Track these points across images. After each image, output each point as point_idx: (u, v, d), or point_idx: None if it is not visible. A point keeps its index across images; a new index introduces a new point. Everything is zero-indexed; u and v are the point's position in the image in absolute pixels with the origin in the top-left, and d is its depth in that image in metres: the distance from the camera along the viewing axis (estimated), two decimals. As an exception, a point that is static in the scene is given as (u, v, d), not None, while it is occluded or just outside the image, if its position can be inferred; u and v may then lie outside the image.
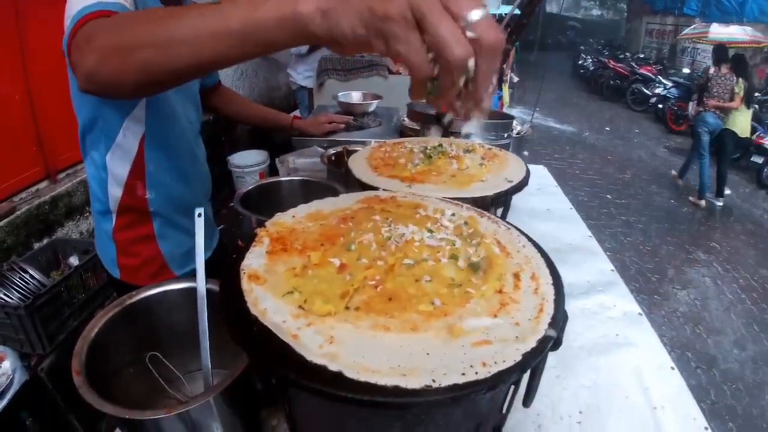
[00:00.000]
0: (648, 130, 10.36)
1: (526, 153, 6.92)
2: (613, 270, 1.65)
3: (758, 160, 7.23)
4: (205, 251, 1.48)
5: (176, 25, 0.65)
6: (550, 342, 0.56)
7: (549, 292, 0.65)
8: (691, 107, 7.13)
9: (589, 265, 1.66)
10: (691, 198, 6.57)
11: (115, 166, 1.24)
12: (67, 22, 0.90)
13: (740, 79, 6.31)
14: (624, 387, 1.13)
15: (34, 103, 2.52)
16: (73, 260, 2.33)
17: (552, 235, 1.83)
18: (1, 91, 2.37)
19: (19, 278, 2.08)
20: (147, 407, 0.74)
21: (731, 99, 6.28)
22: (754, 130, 7.12)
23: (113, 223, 1.33)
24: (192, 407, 0.73)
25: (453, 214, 0.82)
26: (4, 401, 1.78)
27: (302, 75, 4.36)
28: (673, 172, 7.37)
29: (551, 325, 0.59)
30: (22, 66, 2.45)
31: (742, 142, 6.83)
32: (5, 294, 2.00)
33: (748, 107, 6.44)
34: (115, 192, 1.28)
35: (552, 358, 1.18)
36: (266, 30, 0.59)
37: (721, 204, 6.41)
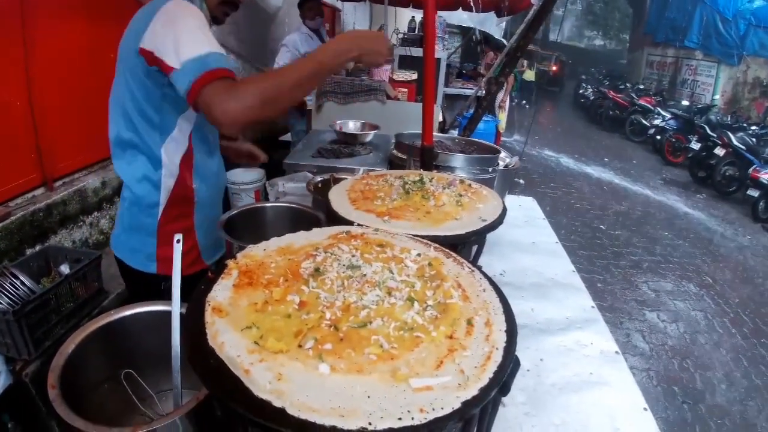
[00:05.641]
0: (645, 161, 10.42)
1: (522, 181, 6.99)
2: (593, 307, 1.65)
3: (754, 193, 7.26)
4: (216, 251, 1.64)
5: (305, 75, 1.20)
6: (493, 391, 0.59)
7: (500, 339, 0.68)
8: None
9: (570, 300, 1.67)
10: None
11: (169, 156, 1.43)
12: (187, 64, 1.18)
13: (526, 61, 13.77)
14: (594, 427, 1.13)
15: (35, 110, 2.55)
16: (64, 268, 2.34)
17: (535, 269, 1.84)
18: (2, 98, 2.41)
19: (10, 283, 2.09)
20: (119, 424, 0.76)
21: (522, 67, 13.00)
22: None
23: (159, 216, 1.47)
24: (158, 426, 0.75)
25: (418, 254, 0.85)
26: (-13, 403, 1.79)
27: None
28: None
29: (497, 373, 0.62)
30: (26, 73, 2.49)
31: (528, 83, 14.23)
32: (-5, 298, 2.02)
33: (531, 69, 14.75)
34: (169, 182, 1.45)
35: (522, 394, 1.21)
36: (341, 65, 1.28)
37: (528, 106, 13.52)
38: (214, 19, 1.46)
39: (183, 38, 1.20)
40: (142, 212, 1.47)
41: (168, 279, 1.06)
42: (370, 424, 0.51)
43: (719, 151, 8.32)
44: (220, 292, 0.72)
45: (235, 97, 1.12)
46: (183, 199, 1.49)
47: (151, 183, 1.44)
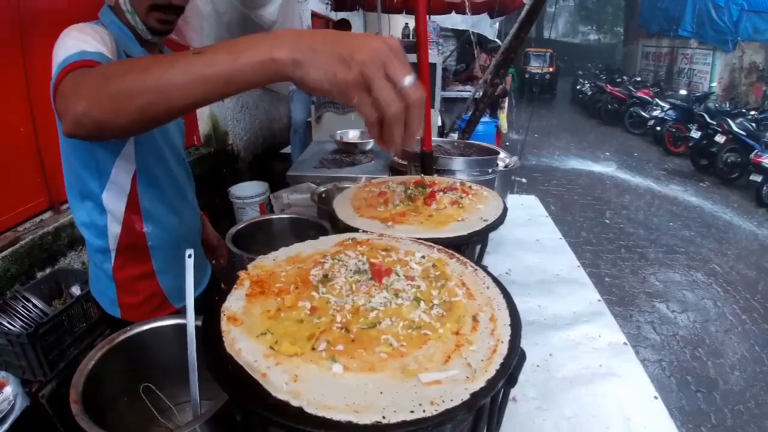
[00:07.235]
0: (646, 153, 10.46)
1: (524, 180, 7.01)
2: (600, 300, 1.67)
3: (757, 178, 7.28)
4: (196, 288, 1.53)
5: (169, 72, 0.72)
6: (500, 382, 0.62)
7: (505, 332, 0.71)
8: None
9: (576, 295, 1.69)
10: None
11: (111, 202, 1.30)
12: (54, 72, 0.98)
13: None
14: (605, 418, 1.15)
15: (38, 134, 2.58)
16: (75, 290, 2.38)
17: (539, 266, 1.87)
18: (6, 123, 2.44)
19: (22, 306, 2.14)
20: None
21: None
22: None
23: (113, 262, 1.37)
24: (178, 436, 0.78)
25: (423, 257, 0.88)
26: (5, 426, 1.82)
27: (299, 108, 4.46)
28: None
29: (503, 365, 0.64)
30: (27, 97, 2.52)
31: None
32: (8, 322, 2.06)
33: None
34: (115, 229, 1.33)
35: (533, 389, 1.23)
36: (247, 74, 0.69)
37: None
38: (152, 31, 1.27)
39: (59, 52, 1.01)
40: (97, 257, 1.39)
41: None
42: (384, 418, 0.54)
43: (720, 139, 8.34)
44: (234, 302, 0.75)
45: (79, 85, 0.82)
46: (134, 246, 1.38)
47: (98, 229, 1.34)
